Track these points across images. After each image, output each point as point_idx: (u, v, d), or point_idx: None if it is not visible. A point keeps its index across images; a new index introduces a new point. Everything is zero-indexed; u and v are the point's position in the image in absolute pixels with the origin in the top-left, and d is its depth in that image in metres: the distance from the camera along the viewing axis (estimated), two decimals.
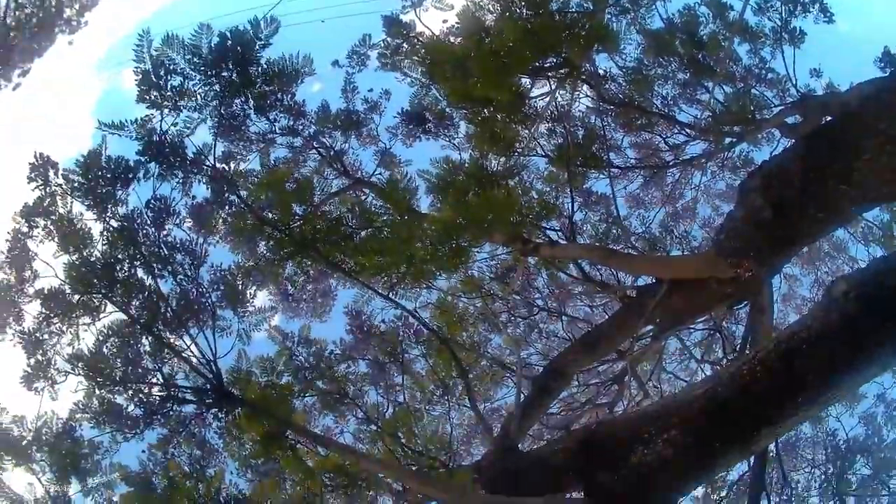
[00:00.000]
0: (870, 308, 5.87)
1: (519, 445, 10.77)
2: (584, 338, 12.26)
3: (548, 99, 13.98)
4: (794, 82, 13.93)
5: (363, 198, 14.80)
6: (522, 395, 11.63)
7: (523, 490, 8.63)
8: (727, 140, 15.15)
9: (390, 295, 13.33)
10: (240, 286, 12.79)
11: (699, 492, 14.98)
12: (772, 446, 11.40)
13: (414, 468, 12.77)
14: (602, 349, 12.04)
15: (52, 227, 11.44)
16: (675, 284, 10.64)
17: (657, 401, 9.17)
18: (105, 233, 11.47)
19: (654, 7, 14.01)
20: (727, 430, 6.72)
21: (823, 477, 14.30)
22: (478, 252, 14.46)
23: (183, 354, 11.60)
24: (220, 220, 13.66)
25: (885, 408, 15.49)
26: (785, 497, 13.20)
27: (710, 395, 6.91)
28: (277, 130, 14.03)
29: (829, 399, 6.42)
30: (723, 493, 14.57)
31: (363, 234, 13.23)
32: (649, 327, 12.98)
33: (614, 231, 15.11)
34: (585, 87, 14.56)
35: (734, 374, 6.75)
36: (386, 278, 12.79)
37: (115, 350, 11.88)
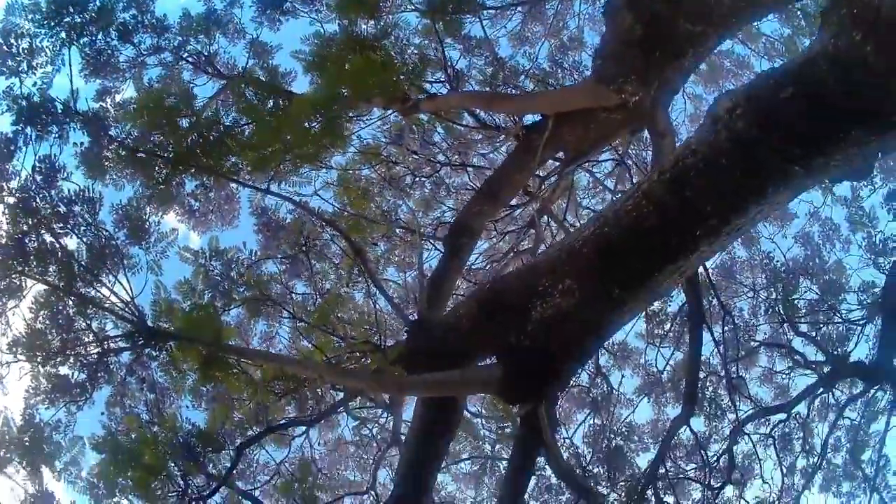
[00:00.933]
0: (761, 124, 5.40)
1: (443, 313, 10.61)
2: (483, 187, 11.90)
3: None
4: None
5: (241, 95, 14.29)
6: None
7: (441, 362, 8.38)
8: None
9: (276, 186, 12.89)
10: (144, 217, 12.42)
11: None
12: (703, 273, 11.32)
13: (338, 360, 12.59)
14: (504, 195, 11.68)
15: None
16: (562, 118, 10.21)
17: (546, 250, 8.91)
18: (5, 212, 11.18)
19: None
20: (622, 273, 6.41)
21: (766, 303, 14.34)
22: (366, 119, 14.27)
23: (105, 305, 11.33)
24: (107, 160, 13.23)
25: (821, 227, 15.47)
26: (729, 326, 13.18)
27: (597, 237, 6.57)
28: (144, 52, 13.61)
29: (736, 228, 5.94)
30: (666, 327, 14.61)
31: (244, 131, 12.79)
32: (554, 164, 12.77)
33: (500, 74, 14.74)
34: None
35: (618, 212, 6.37)
36: (272, 170, 12.38)
37: (46, 322, 11.66)
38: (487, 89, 14.22)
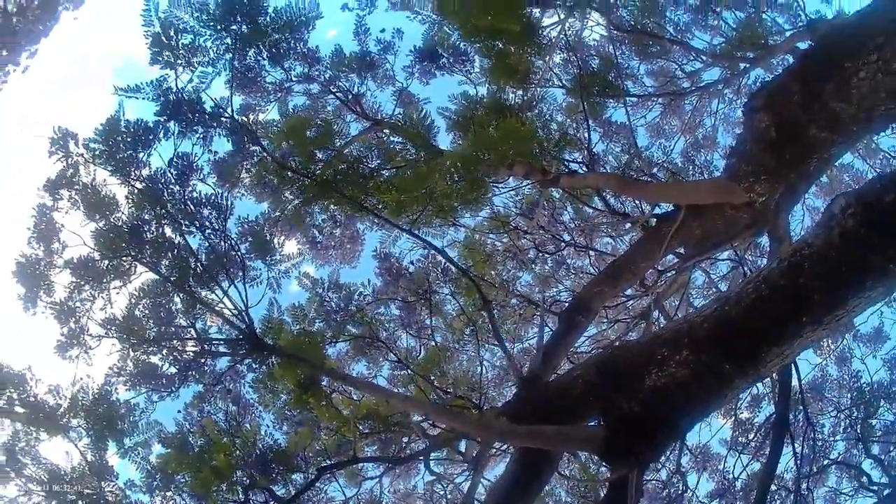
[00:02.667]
0: (869, 224, 5.71)
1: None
2: (607, 269, 12.14)
3: (559, 28, 13.82)
4: (803, 7, 13.93)
5: (384, 139, 14.74)
6: (548, 331, 11.64)
7: (546, 420, 8.62)
8: (741, 66, 15.01)
9: (415, 231, 13.27)
10: (267, 236, 12.91)
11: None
12: (797, 386, 11.39)
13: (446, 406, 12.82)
14: (625, 279, 11.89)
15: (76, 197, 11.61)
16: (692, 211, 10.51)
17: (670, 324, 9.13)
18: (130, 196, 11.65)
19: None
20: (735, 351, 6.69)
21: (847, 421, 14.34)
22: (501, 187, 14.57)
23: (215, 308, 11.81)
24: (244, 172, 13.74)
25: None
26: (809, 440, 13.19)
27: (718, 315, 6.85)
28: (293, 78, 14.01)
29: (835, 318, 6.23)
30: (750, 436, 14.65)
31: (385, 174, 13.28)
32: (672, 259, 12.97)
33: (636, 161, 15.03)
34: (596, 14, 14.38)
35: (741, 294, 6.67)
36: (408, 216, 12.78)
37: (147, 311, 12.21)
38: (616, 173, 14.39)
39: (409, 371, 14.09)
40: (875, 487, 13.57)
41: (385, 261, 15.73)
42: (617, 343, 14.99)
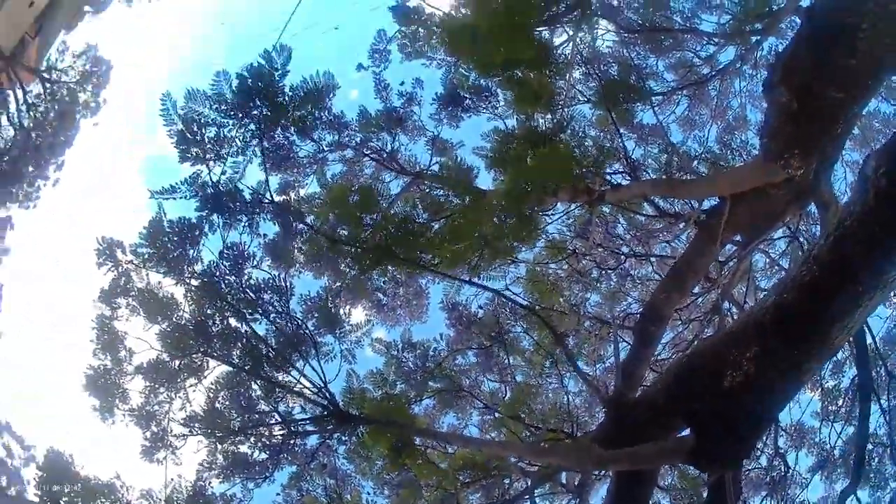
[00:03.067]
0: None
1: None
2: (669, 274, 12.05)
3: (571, 44, 13.83)
4: None
5: (427, 191, 14.79)
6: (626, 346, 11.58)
7: (639, 437, 8.59)
8: (753, 39, 14.86)
9: (475, 279, 13.30)
10: (332, 308, 12.89)
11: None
12: (872, 343, 11.24)
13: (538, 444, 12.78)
14: (689, 280, 11.77)
15: (134, 303, 11.64)
16: (736, 199, 10.44)
17: (737, 319, 9.04)
18: (188, 294, 11.69)
19: None
20: (801, 336, 6.61)
21: None
22: (552, 214, 14.58)
23: (295, 389, 11.80)
24: (296, 251, 13.83)
25: None
26: (894, 394, 12.97)
27: (777, 304, 6.78)
28: (325, 148, 14.20)
29: (885, 283, 6.08)
30: (839, 402, 14.43)
31: (436, 226, 13.26)
32: (731, 248, 12.85)
33: (675, 159, 14.94)
34: (604, 21, 14.44)
35: (795, 278, 6.60)
36: (467, 264, 12.78)
37: (227, 402, 12.19)
38: (664, 177, 14.35)
39: (498, 414, 14.04)
40: None
41: (453, 310, 15.77)
42: (695, 343, 14.96)
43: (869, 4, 7.61)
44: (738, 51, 15.77)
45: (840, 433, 14.51)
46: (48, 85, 31.98)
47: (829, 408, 14.95)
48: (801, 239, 14.16)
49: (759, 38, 14.76)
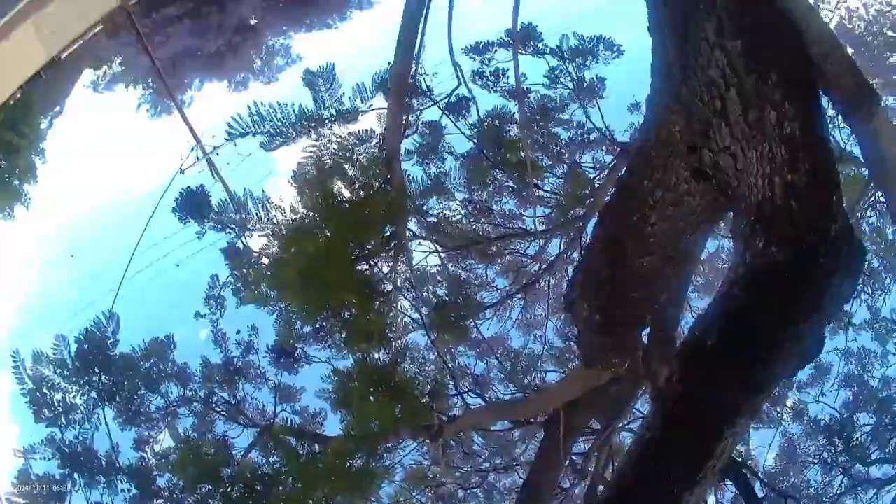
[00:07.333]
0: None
1: None
2: (522, 494, 11.97)
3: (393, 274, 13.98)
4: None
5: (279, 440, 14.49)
6: None
7: None
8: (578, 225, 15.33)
9: None
10: None
11: None
12: None
13: None
14: (545, 492, 11.74)
15: None
16: (573, 404, 10.48)
17: None
18: None
19: None
20: None
21: None
22: (407, 445, 14.26)
23: None
24: None
25: None
26: None
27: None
28: (173, 403, 13.80)
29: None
30: None
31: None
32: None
33: (520, 366, 15.01)
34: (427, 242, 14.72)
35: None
36: None
37: None
38: (511, 385, 14.28)
39: None
40: None
41: None
42: None
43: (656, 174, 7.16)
44: (562, 238, 16.14)
45: None
46: None
47: None
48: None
49: (582, 222, 15.11)
